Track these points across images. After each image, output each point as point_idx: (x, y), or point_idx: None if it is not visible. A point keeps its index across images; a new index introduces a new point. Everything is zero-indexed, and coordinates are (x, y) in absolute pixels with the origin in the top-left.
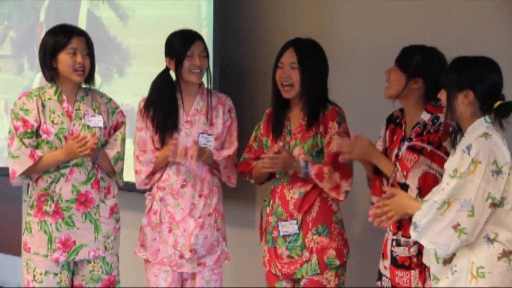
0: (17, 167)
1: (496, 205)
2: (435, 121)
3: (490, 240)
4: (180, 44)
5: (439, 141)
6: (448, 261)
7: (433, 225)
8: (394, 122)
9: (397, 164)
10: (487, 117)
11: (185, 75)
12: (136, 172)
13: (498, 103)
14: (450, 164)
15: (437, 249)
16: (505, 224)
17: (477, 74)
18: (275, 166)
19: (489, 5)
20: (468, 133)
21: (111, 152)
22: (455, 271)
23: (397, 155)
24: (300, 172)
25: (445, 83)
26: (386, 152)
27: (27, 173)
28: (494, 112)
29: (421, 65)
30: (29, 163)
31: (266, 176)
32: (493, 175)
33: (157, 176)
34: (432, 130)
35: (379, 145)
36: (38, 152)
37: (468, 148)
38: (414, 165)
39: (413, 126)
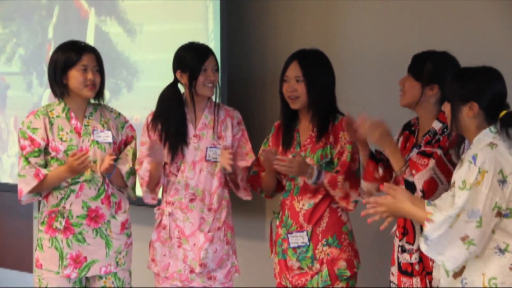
0: (24, 186)
1: (501, 214)
2: (445, 130)
3: (502, 251)
4: (194, 59)
5: (447, 147)
6: (458, 274)
7: (442, 238)
8: (409, 129)
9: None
10: (492, 128)
11: (199, 89)
12: (141, 185)
13: (504, 112)
14: (459, 176)
15: (446, 261)
16: None
17: (481, 85)
18: (290, 169)
19: (501, 10)
20: (474, 144)
21: (124, 168)
22: (466, 283)
23: (406, 161)
24: (311, 178)
25: (448, 95)
26: None
27: (34, 191)
28: (500, 122)
29: (434, 72)
30: (34, 182)
31: (275, 187)
32: (499, 185)
33: (157, 189)
34: (441, 139)
35: None
36: (43, 171)
37: (474, 158)
38: (425, 168)
39: (424, 134)
